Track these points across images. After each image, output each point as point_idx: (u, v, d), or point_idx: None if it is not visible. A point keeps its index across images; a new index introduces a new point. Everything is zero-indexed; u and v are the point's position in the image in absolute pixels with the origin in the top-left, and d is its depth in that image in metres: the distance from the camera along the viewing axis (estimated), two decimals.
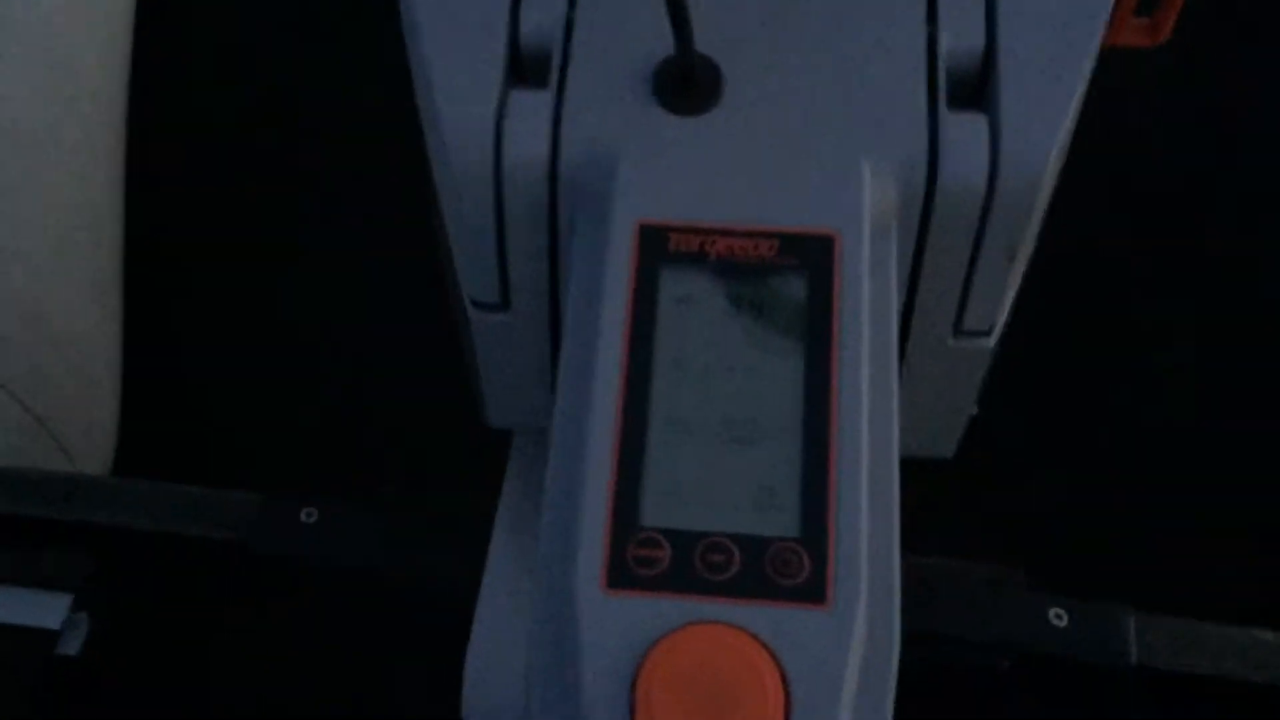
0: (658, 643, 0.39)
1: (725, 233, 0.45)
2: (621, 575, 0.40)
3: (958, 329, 0.52)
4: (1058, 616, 0.61)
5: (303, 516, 0.65)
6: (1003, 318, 0.53)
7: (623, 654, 0.39)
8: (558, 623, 0.40)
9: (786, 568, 0.40)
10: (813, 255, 0.44)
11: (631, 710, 0.38)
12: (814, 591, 0.39)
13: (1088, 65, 0.48)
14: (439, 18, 0.49)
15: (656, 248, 0.45)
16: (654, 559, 0.40)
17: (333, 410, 1.05)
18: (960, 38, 0.48)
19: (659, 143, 0.47)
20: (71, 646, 0.71)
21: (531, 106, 0.48)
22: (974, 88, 0.49)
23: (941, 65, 0.47)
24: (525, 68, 0.49)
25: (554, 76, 0.48)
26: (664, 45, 0.47)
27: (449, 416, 0.66)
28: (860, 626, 0.39)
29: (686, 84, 0.47)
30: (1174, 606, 0.63)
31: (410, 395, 1.00)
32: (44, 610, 0.71)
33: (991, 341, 0.53)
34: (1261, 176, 1.21)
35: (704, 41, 0.47)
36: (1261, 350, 1.14)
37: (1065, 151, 0.52)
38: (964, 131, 0.47)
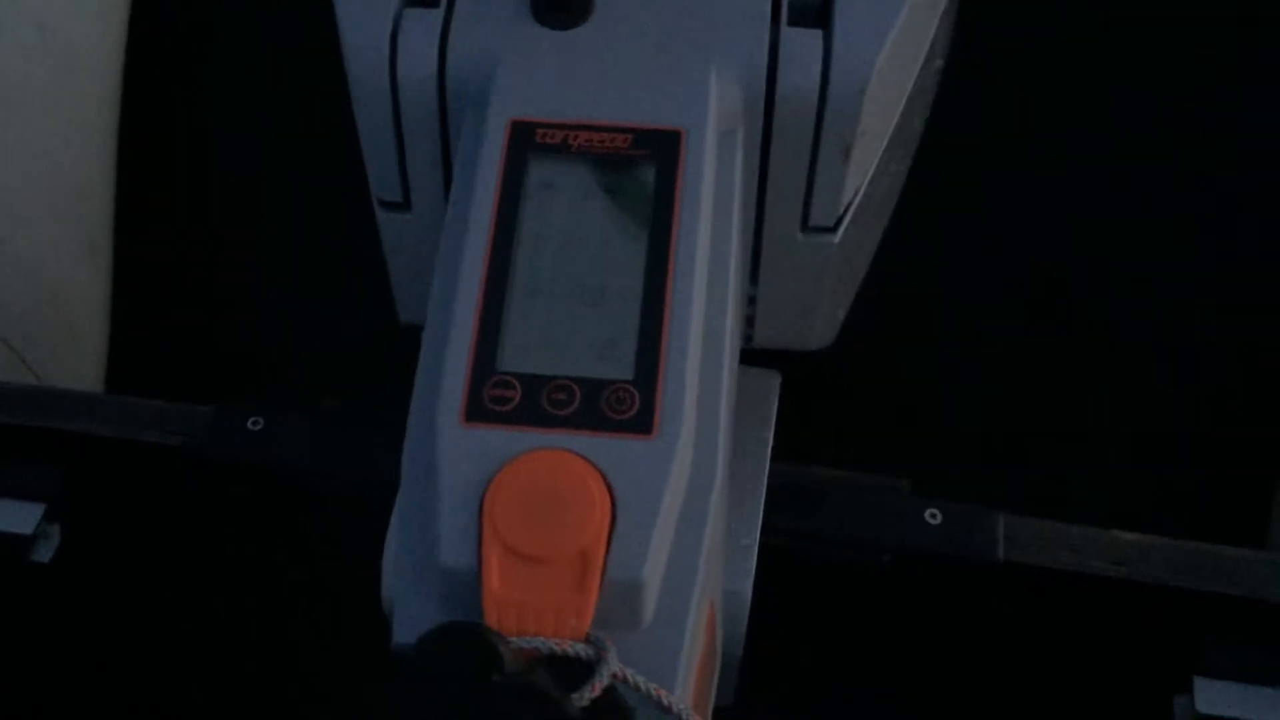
0: (505, 466, 0.45)
1: (586, 128, 0.51)
2: (478, 410, 0.46)
3: (805, 224, 0.58)
4: (932, 516, 0.67)
5: (249, 425, 0.71)
6: (844, 214, 0.58)
7: (475, 475, 0.45)
8: (423, 451, 0.47)
9: (620, 405, 0.46)
10: (661, 148, 0.51)
11: (479, 520, 0.44)
12: (642, 424, 0.45)
13: None
14: None
15: (525, 141, 0.51)
16: (506, 398, 0.46)
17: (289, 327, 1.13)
18: None
19: (534, 53, 0.53)
20: (44, 554, 0.76)
21: (423, 23, 0.54)
22: (815, 10, 0.55)
23: None
24: None
25: None
26: None
27: (378, 327, 0.72)
28: (683, 453, 0.45)
29: (560, 3, 0.54)
30: (1046, 513, 0.68)
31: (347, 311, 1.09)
32: (17, 518, 0.76)
33: (836, 238, 0.59)
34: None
35: None
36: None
37: (916, 63, 0.58)
38: (801, 45, 0.53)
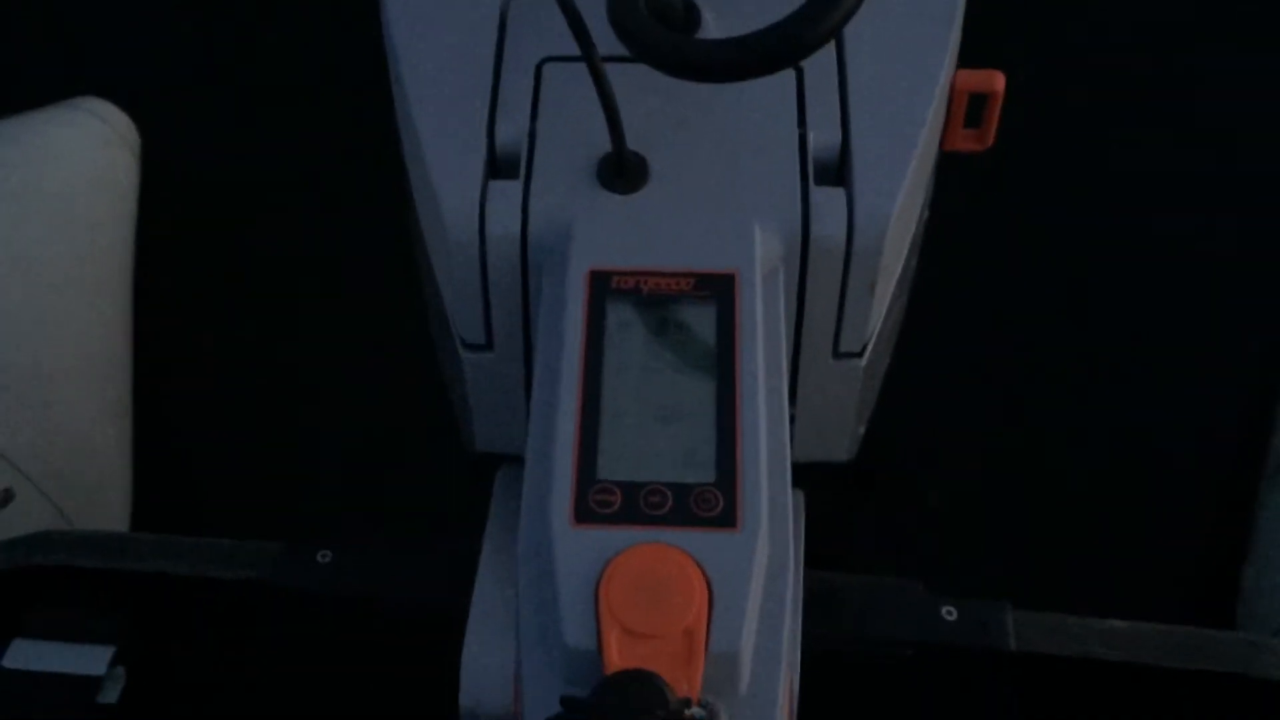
0: (613, 559, 0.52)
1: (653, 274, 0.60)
2: (585, 513, 0.53)
3: (835, 351, 0.67)
4: (949, 613, 0.74)
5: (319, 557, 0.77)
6: (868, 342, 0.68)
7: (588, 568, 0.52)
8: (539, 552, 0.53)
9: (706, 504, 0.53)
10: (718, 288, 0.60)
11: (596, 606, 0.51)
12: (727, 519, 0.53)
13: (917, 155, 0.65)
14: (435, 130, 0.65)
15: (603, 287, 0.60)
16: (609, 502, 0.54)
17: (339, 465, 1.20)
18: (823, 136, 0.65)
19: (602, 214, 0.62)
20: (111, 695, 0.80)
21: (506, 193, 0.63)
22: (835, 170, 0.65)
23: (810, 155, 0.64)
24: (500, 165, 0.65)
25: (523, 170, 0.64)
26: (603, 144, 0.63)
27: (438, 459, 0.79)
28: (762, 543, 0.53)
29: (621, 172, 0.63)
30: (1047, 604, 0.76)
31: (401, 445, 1.16)
32: (87, 661, 0.80)
33: (863, 362, 0.68)
34: None
35: (634, 140, 0.63)
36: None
37: (916, 215, 0.69)
38: (827, 201, 0.63)
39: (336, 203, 1.40)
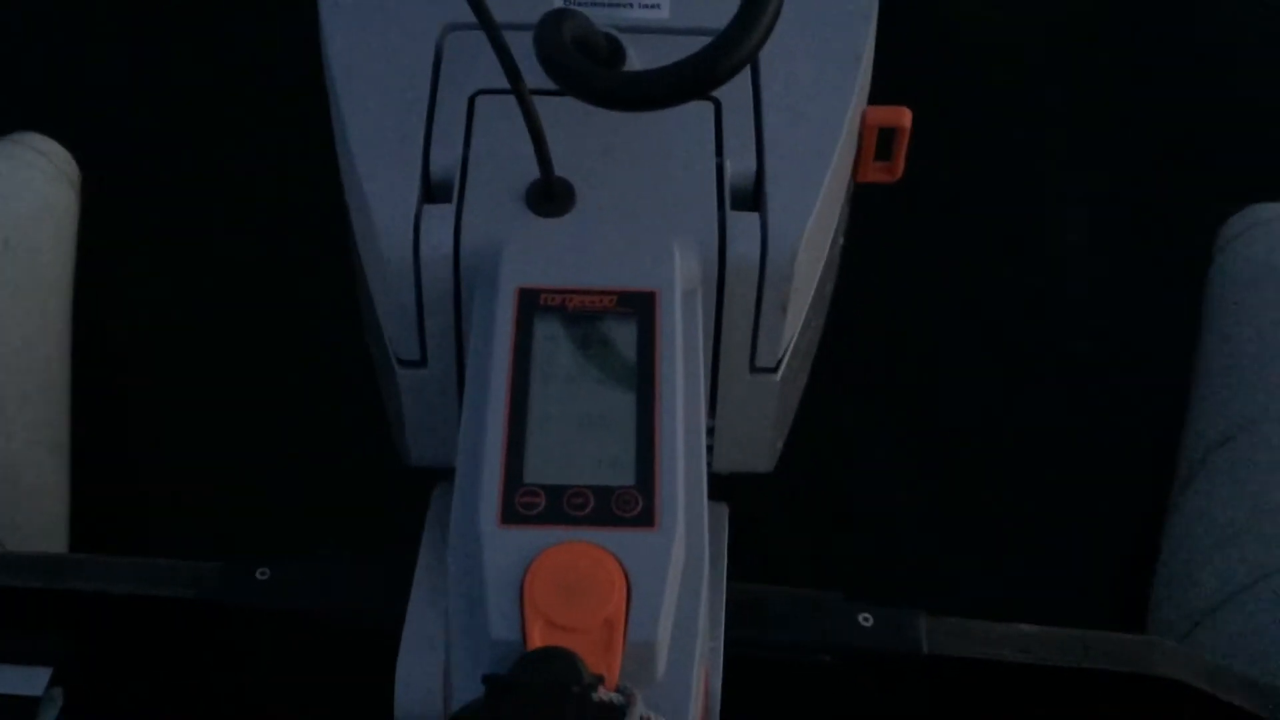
0: (538, 556, 0.55)
1: (579, 292, 0.64)
2: (511, 514, 0.57)
3: (752, 366, 0.71)
4: (865, 619, 0.78)
5: (258, 574, 0.79)
6: (782, 357, 0.71)
7: (514, 566, 0.55)
8: (467, 551, 0.56)
9: (626, 505, 0.57)
10: (640, 306, 0.63)
11: (521, 601, 0.54)
12: (646, 519, 0.57)
13: (826, 183, 0.69)
14: (371, 156, 0.68)
15: (531, 303, 0.63)
16: (534, 504, 0.57)
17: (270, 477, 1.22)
18: (739, 165, 0.69)
19: (531, 236, 0.66)
20: (49, 716, 0.81)
21: (440, 216, 0.67)
22: (750, 196, 0.69)
23: (726, 181, 0.68)
24: (433, 190, 0.68)
25: (455, 195, 0.67)
26: (532, 171, 0.67)
27: (374, 475, 0.82)
28: (679, 541, 0.56)
29: (549, 197, 0.67)
30: (958, 609, 0.80)
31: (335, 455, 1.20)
32: (24, 682, 0.80)
33: (778, 377, 0.72)
34: None
35: (561, 168, 0.67)
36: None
37: (828, 240, 0.73)
38: (742, 225, 0.67)
39: (273, 225, 1.43)
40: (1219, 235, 1.32)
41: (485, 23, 0.65)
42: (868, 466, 1.28)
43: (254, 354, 1.33)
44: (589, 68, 0.64)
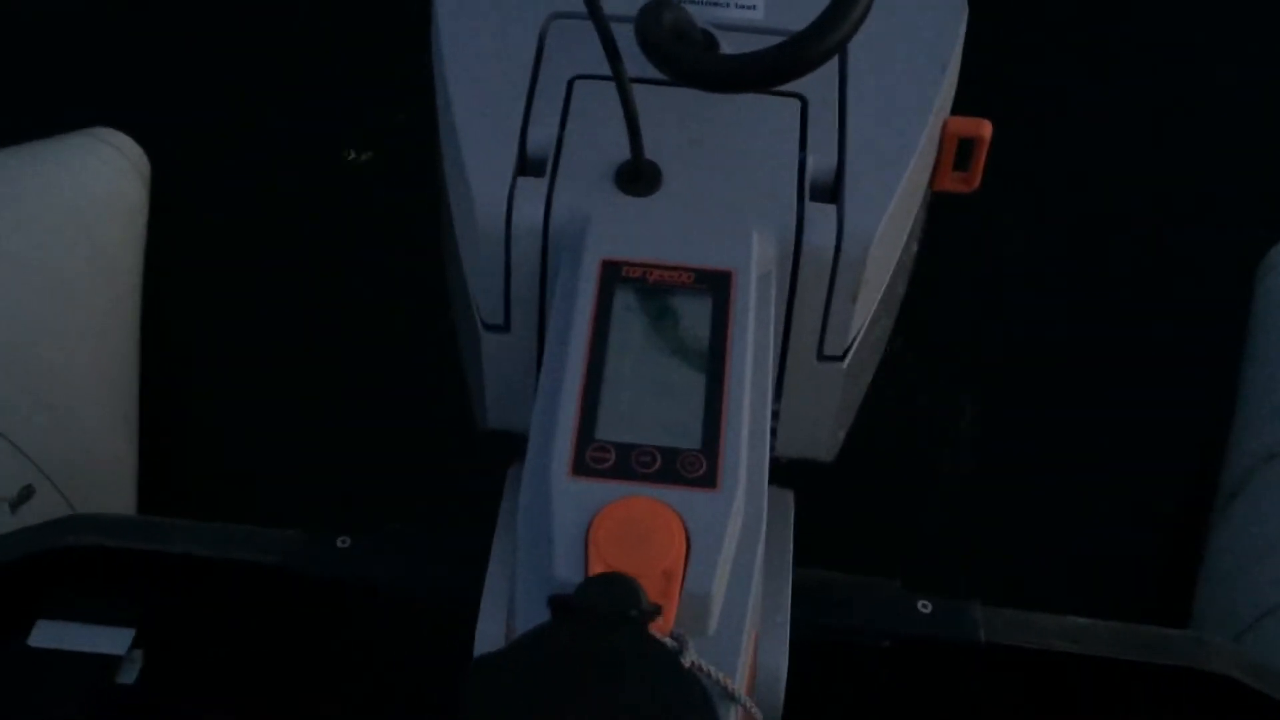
0: (604, 508, 0.58)
1: (659, 266, 0.67)
2: (582, 467, 0.59)
3: (820, 353, 0.74)
4: (924, 606, 0.80)
5: (339, 543, 0.81)
6: (849, 347, 0.74)
7: (581, 514, 0.57)
8: (538, 498, 0.59)
9: (690, 466, 0.60)
10: (716, 284, 0.66)
11: (585, 547, 0.56)
12: (708, 480, 0.59)
13: (903, 182, 0.72)
14: (473, 130, 0.72)
15: (613, 275, 0.66)
16: (604, 459, 0.60)
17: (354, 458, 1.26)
18: (820, 159, 0.72)
19: (617, 212, 0.69)
20: (129, 676, 0.84)
21: (533, 189, 0.70)
22: (828, 190, 0.72)
23: (807, 174, 0.71)
24: (529, 165, 0.71)
25: (549, 170, 0.70)
26: (622, 153, 0.70)
27: (452, 455, 0.84)
28: (738, 503, 0.59)
29: (637, 177, 0.70)
30: (1015, 601, 0.82)
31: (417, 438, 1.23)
32: (108, 641, 0.83)
33: (844, 366, 0.74)
34: None
35: (651, 152, 0.70)
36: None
37: (902, 240, 0.75)
38: (820, 216, 0.70)
39: (337, 215, 1.47)
40: (1261, 265, 1.36)
41: (593, 10, 0.68)
42: (931, 464, 1.30)
43: (323, 330, 1.37)
44: (682, 49, 0.67)
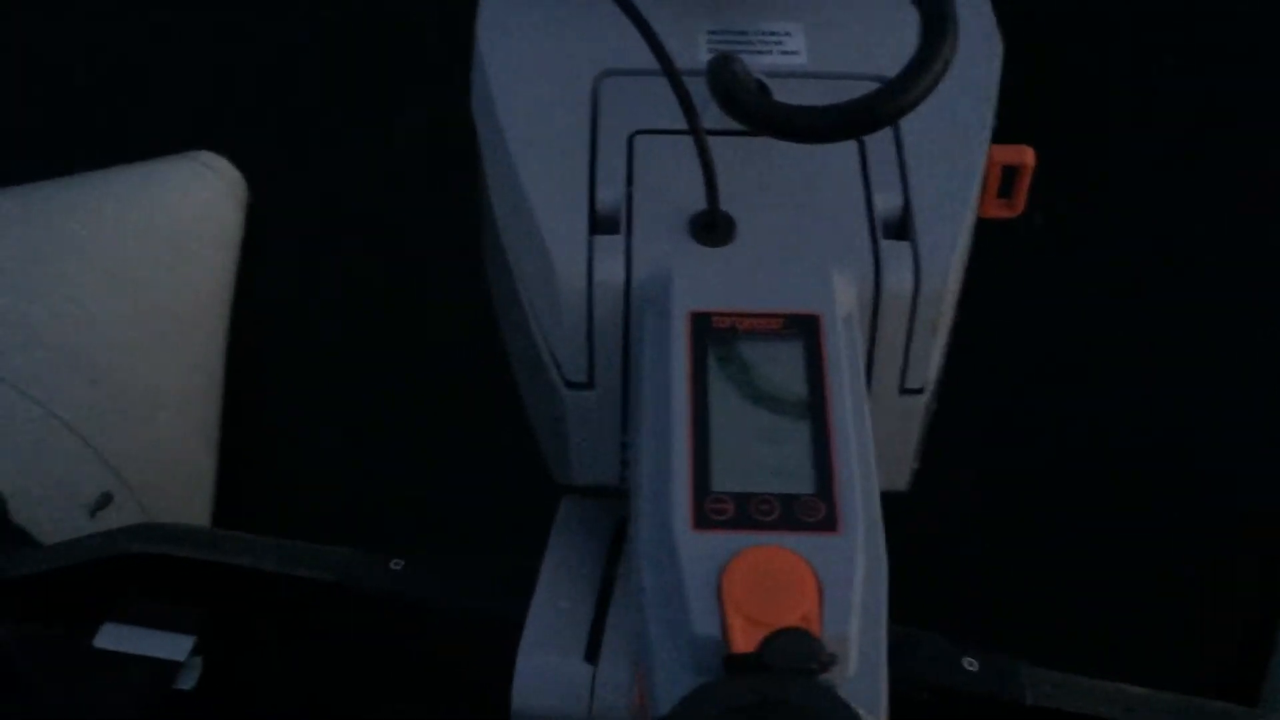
0: (731, 559, 0.57)
1: (747, 315, 0.67)
2: (703, 520, 0.59)
3: (901, 388, 0.74)
4: (969, 664, 0.79)
5: (392, 565, 0.83)
6: (932, 380, 0.74)
7: (709, 567, 0.57)
8: (663, 555, 0.59)
9: (810, 511, 0.59)
10: (805, 328, 0.66)
11: (720, 599, 0.56)
12: (829, 524, 0.59)
13: (968, 216, 0.72)
14: (542, 193, 0.73)
15: (703, 326, 0.66)
16: (723, 510, 0.59)
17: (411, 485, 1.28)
18: (886, 198, 0.72)
19: (698, 264, 0.70)
20: (188, 682, 0.86)
21: (610, 247, 0.70)
22: (897, 227, 0.72)
23: (876, 214, 0.71)
24: (600, 223, 0.72)
25: (623, 227, 0.71)
26: (693, 204, 0.71)
27: (505, 486, 0.86)
28: (860, 544, 0.58)
29: (713, 228, 0.71)
30: (1063, 664, 0.81)
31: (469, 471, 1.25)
32: (169, 647, 0.86)
33: (924, 398, 0.74)
34: None
35: (721, 201, 0.71)
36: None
37: (964, 263, 0.76)
38: (895, 254, 0.70)
39: (426, 244, 1.51)
40: None
41: (667, 66, 0.69)
42: (987, 510, 1.29)
43: (403, 359, 1.40)
44: (767, 101, 0.68)
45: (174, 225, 1.35)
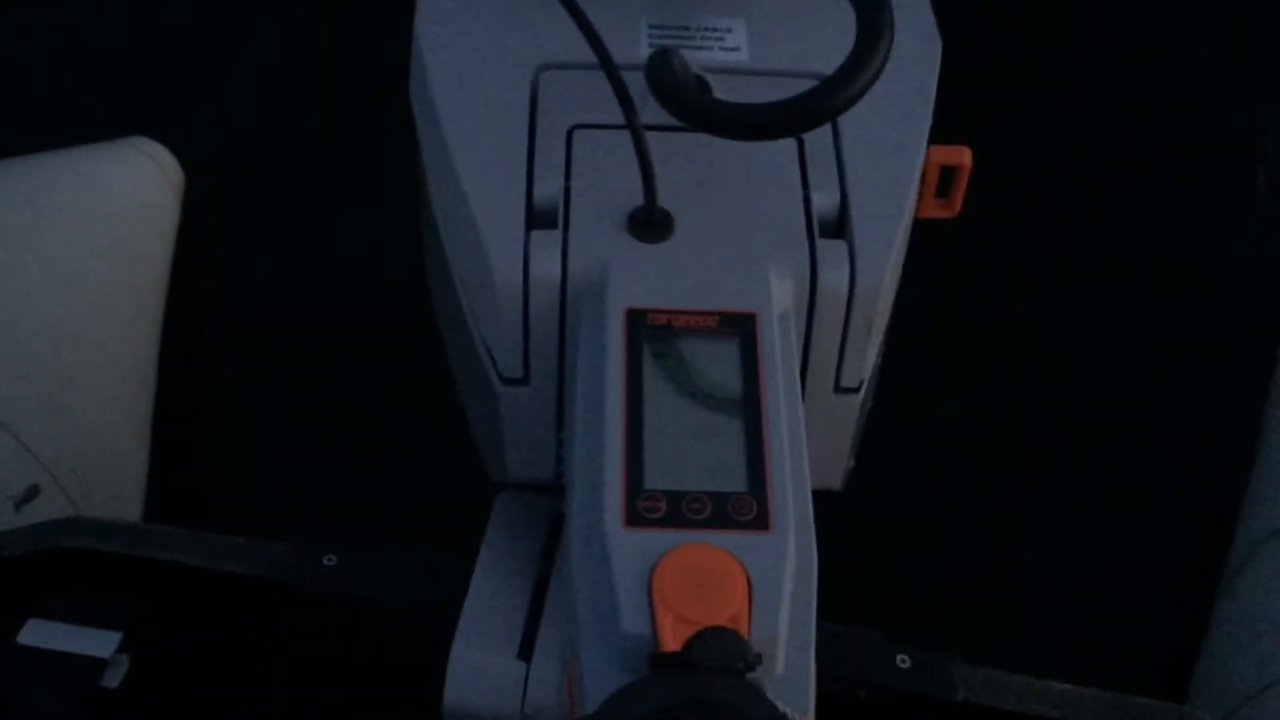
0: (662, 557, 0.57)
1: (684, 312, 0.67)
2: (635, 517, 0.59)
3: (836, 386, 0.74)
4: (903, 661, 0.80)
5: (325, 560, 0.82)
6: (867, 378, 0.74)
7: (640, 565, 0.57)
8: (594, 553, 0.59)
9: (742, 510, 0.59)
10: (741, 326, 0.66)
11: (650, 598, 0.56)
12: (761, 522, 0.59)
13: (905, 215, 0.73)
14: (479, 187, 0.72)
15: (639, 322, 0.66)
16: (655, 508, 0.59)
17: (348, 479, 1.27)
18: (823, 196, 0.72)
19: (635, 260, 0.69)
20: (114, 679, 0.85)
21: (547, 242, 0.70)
22: (835, 226, 0.72)
23: (813, 212, 0.71)
24: (538, 218, 0.72)
25: (561, 222, 0.71)
26: (631, 200, 0.71)
27: (440, 482, 0.85)
28: (791, 543, 0.59)
29: (650, 224, 0.70)
30: (998, 662, 0.82)
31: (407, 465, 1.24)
32: (95, 644, 0.85)
33: (860, 397, 0.74)
34: None
35: (659, 198, 0.70)
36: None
37: (900, 264, 0.76)
38: (832, 252, 0.70)
39: (364, 236, 1.50)
40: None
41: (604, 60, 0.69)
42: (925, 506, 1.30)
43: (340, 350, 1.38)
44: (706, 98, 0.68)
45: (108, 213, 1.32)
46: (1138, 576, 1.30)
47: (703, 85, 0.75)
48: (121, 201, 1.35)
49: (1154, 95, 1.68)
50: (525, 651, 0.74)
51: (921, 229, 0.79)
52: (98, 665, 0.84)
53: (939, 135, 0.77)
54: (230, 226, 1.53)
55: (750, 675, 0.54)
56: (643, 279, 0.68)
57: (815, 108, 0.65)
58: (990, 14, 1.63)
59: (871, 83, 0.65)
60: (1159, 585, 1.30)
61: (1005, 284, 1.50)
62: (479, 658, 0.74)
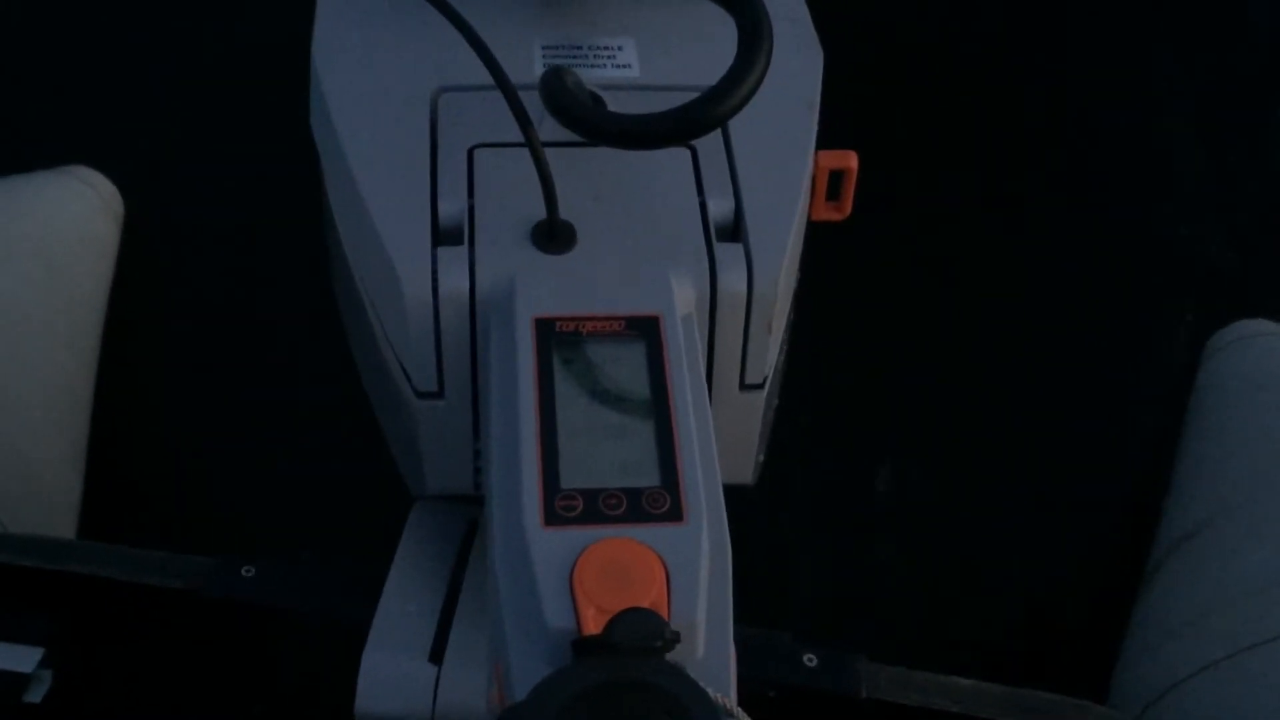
0: (581, 553, 0.59)
1: (591, 318, 0.69)
2: (553, 517, 0.61)
3: (741, 384, 0.76)
4: (809, 660, 0.82)
5: (244, 571, 0.84)
6: (770, 375, 0.76)
7: (561, 562, 0.59)
8: (515, 554, 0.61)
9: (655, 503, 0.62)
10: (646, 329, 0.69)
11: (571, 592, 0.58)
12: (675, 514, 0.62)
13: (797, 218, 0.76)
14: (383, 207, 0.74)
15: (547, 331, 0.69)
16: (573, 506, 0.62)
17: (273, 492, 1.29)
18: (718, 202, 0.75)
19: (540, 271, 0.72)
20: (35, 695, 0.85)
21: (454, 258, 0.72)
22: (731, 230, 0.75)
23: (710, 218, 0.74)
24: (444, 235, 0.74)
25: (466, 238, 0.73)
26: (534, 214, 0.73)
27: (364, 493, 0.86)
28: (705, 532, 0.61)
29: (553, 236, 0.73)
30: (903, 660, 0.84)
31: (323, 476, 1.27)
32: (16, 659, 0.85)
33: (764, 393, 0.77)
34: None
35: (560, 211, 0.73)
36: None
37: (796, 264, 0.79)
38: (728, 256, 0.73)
39: (294, 260, 1.50)
40: (1206, 347, 1.39)
41: (501, 82, 0.72)
42: (834, 500, 1.31)
43: (266, 377, 1.40)
44: (598, 111, 0.71)
45: (42, 239, 1.33)
46: (1063, 575, 1.32)
47: (597, 100, 0.77)
48: (56, 228, 1.36)
49: (1041, 88, 1.72)
50: (437, 655, 0.75)
51: (818, 231, 0.82)
52: (20, 680, 0.84)
53: (828, 140, 0.80)
54: (171, 252, 1.54)
55: (672, 658, 0.56)
56: (549, 289, 0.70)
57: (701, 116, 0.68)
58: (875, 19, 1.68)
59: (754, 90, 0.68)
60: (1085, 583, 1.32)
61: (907, 281, 1.52)
62: (390, 662, 0.75)
